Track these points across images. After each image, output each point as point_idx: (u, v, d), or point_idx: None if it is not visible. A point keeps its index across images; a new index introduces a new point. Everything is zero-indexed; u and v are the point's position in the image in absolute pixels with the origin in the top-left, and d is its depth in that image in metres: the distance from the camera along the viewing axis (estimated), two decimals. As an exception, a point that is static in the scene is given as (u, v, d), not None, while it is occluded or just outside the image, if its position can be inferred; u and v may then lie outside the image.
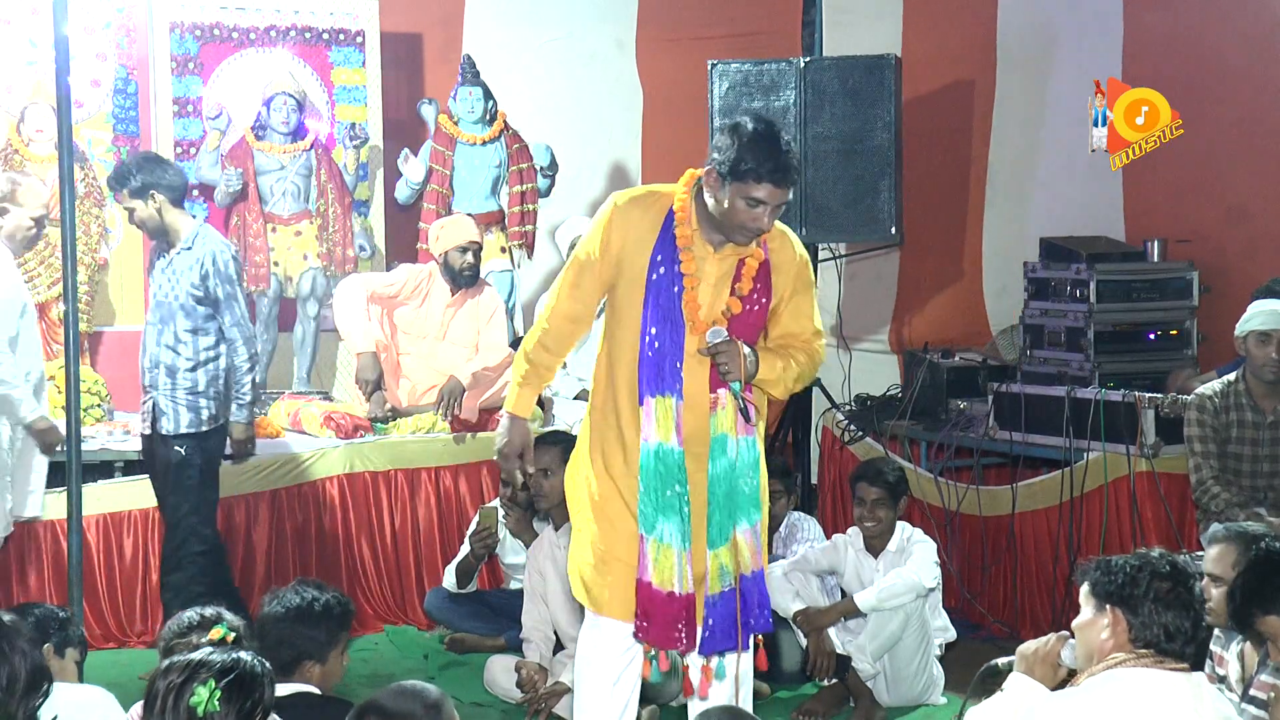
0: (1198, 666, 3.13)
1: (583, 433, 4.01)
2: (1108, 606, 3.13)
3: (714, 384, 3.83)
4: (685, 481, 3.79)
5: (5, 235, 5.50)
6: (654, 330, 3.78)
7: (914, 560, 5.38)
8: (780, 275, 3.91)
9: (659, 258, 3.79)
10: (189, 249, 5.68)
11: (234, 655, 2.85)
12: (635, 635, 3.82)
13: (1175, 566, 3.14)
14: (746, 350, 3.80)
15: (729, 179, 3.72)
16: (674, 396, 3.77)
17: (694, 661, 3.92)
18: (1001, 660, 3.34)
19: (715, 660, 3.90)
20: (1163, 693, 3.03)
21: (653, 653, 3.82)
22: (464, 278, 6.77)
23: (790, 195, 3.81)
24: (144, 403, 5.74)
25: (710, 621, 3.82)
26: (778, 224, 3.90)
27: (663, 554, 3.75)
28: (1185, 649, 3.08)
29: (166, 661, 2.88)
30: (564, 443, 5.36)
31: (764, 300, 3.88)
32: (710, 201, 3.79)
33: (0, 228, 5.51)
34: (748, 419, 3.83)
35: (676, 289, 3.78)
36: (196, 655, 2.85)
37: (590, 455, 3.93)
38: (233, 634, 3.49)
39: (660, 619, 3.76)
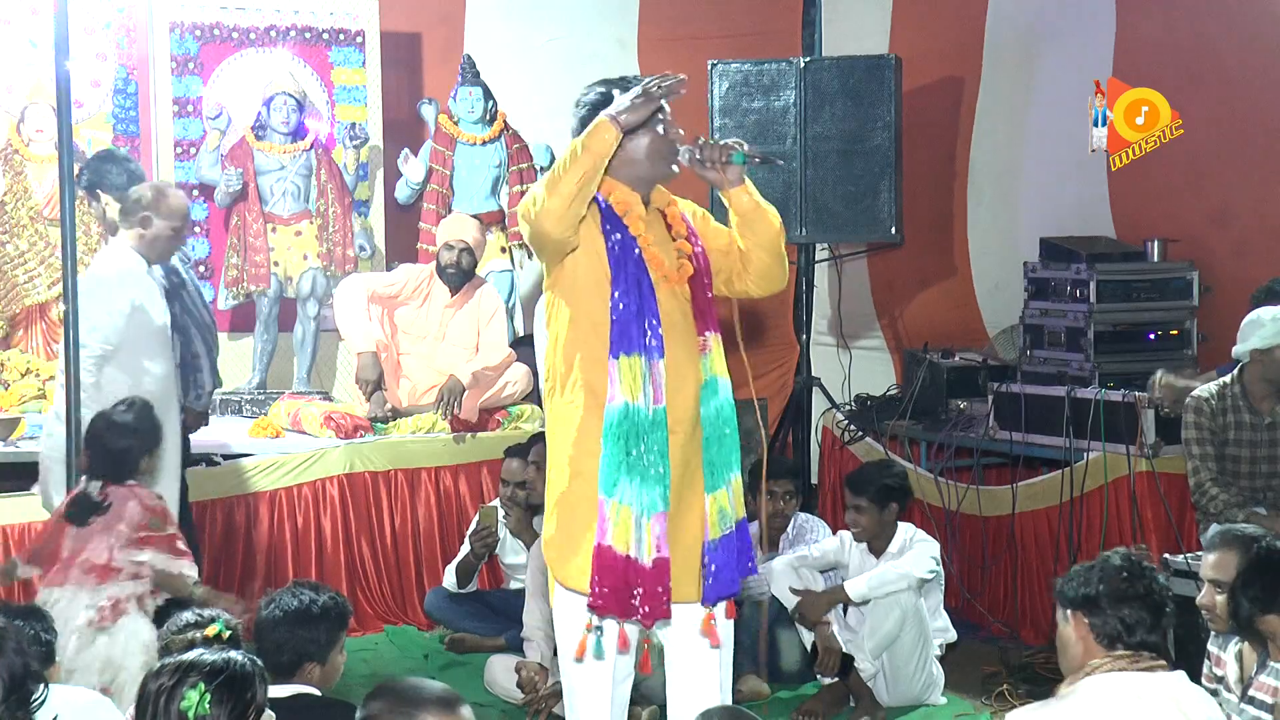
0: (1182, 665, 3.16)
1: (566, 424, 3.86)
2: (1068, 612, 3.19)
3: (700, 327, 3.82)
4: (661, 441, 3.70)
5: (146, 243, 5.48)
6: (617, 293, 3.74)
7: (910, 553, 5.39)
8: (694, 218, 3.97)
9: (609, 227, 3.79)
10: None
11: (225, 655, 2.82)
12: (591, 604, 3.68)
13: (1129, 561, 3.20)
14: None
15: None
16: (642, 355, 3.70)
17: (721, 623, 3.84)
18: None
19: (716, 607, 3.82)
20: (1143, 694, 3.05)
21: (598, 625, 3.70)
22: (447, 275, 6.78)
23: None
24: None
25: (714, 568, 3.76)
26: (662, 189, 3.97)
27: (621, 515, 3.65)
28: (1148, 638, 3.12)
29: (159, 663, 2.87)
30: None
31: (698, 240, 3.92)
32: (619, 159, 3.75)
33: (141, 236, 5.48)
34: (778, 159, 3.88)
35: (636, 252, 3.78)
36: (188, 656, 2.82)
37: (581, 443, 3.81)
38: (228, 632, 3.49)
39: (615, 584, 3.64)
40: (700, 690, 3.84)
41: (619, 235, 3.78)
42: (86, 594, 4.50)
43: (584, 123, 3.79)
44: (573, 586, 3.77)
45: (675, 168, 3.86)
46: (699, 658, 3.85)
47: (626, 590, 3.65)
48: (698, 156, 3.80)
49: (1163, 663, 3.14)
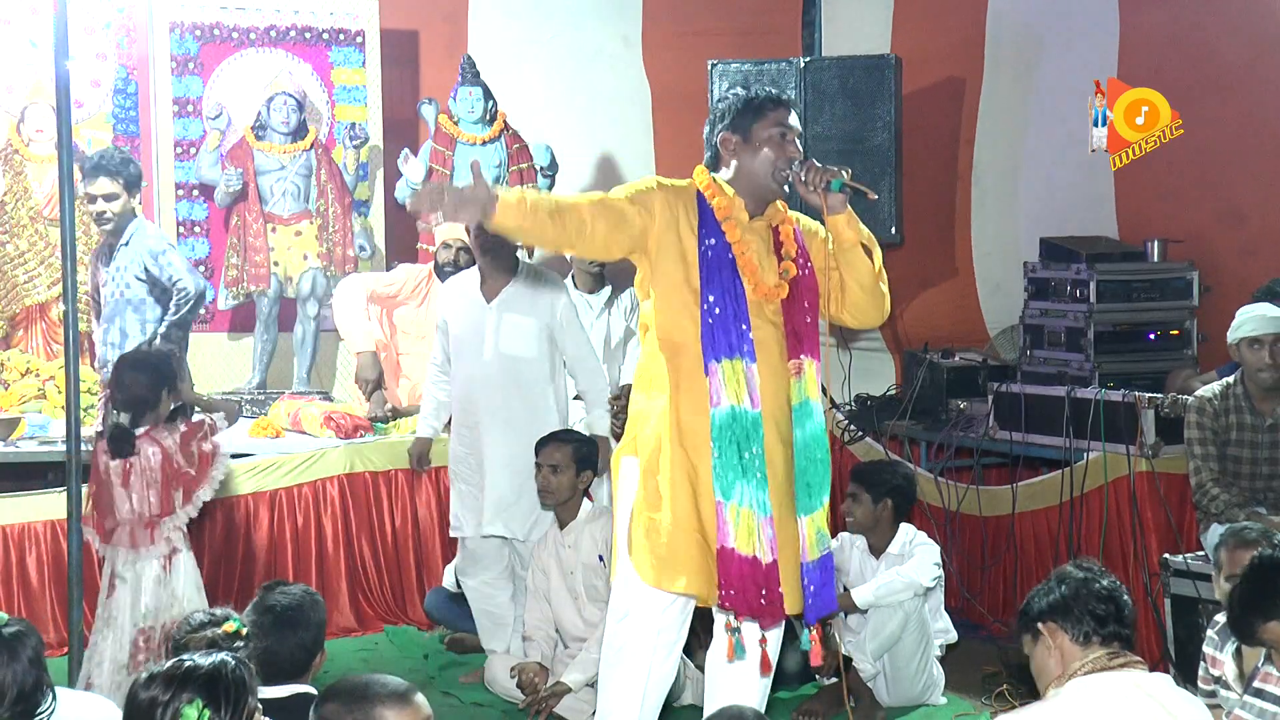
0: (1182, 665, 3.20)
1: (644, 413, 3.91)
2: (1039, 625, 3.27)
3: (792, 351, 3.84)
4: (762, 445, 3.76)
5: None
6: (712, 298, 3.78)
7: (914, 560, 5.39)
8: (812, 240, 3.98)
9: (705, 232, 3.81)
10: (126, 245, 5.95)
11: (215, 661, 2.78)
12: (721, 605, 3.80)
13: (1083, 566, 3.33)
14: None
15: (750, 124, 3.84)
16: (744, 359, 3.76)
17: (772, 635, 3.91)
18: None
19: (806, 631, 3.90)
20: (1130, 695, 3.10)
21: (736, 626, 3.82)
22: (446, 274, 6.78)
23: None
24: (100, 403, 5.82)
25: (813, 588, 3.83)
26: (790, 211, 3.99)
27: (743, 519, 3.73)
28: (1121, 630, 3.22)
29: (145, 673, 2.80)
30: (575, 442, 5.36)
31: (808, 263, 3.92)
32: (735, 166, 3.86)
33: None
34: (873, 193, 3.80)
35: (730, 257, 3.81)
36: (182, 665, 2.76)
37: (665, 425, 3.85)
38: (245, 628, 3.46)
39: (743, 584, 3.74)
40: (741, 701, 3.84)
41: (713, 240, 3.80)
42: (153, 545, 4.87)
43: (735, 125, 3.85)
44: (662, 587, 3.84)
45: (786, 187, 3.88)
46: (745, 671, 3.91)
47: (755, 590, 3.74)
48: (802, 178, 3.80)
49: (1139, 659, 3.22)
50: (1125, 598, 3.29)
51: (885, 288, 3.96)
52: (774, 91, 3.93)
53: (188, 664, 2.77)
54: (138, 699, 2.74)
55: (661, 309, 3.85)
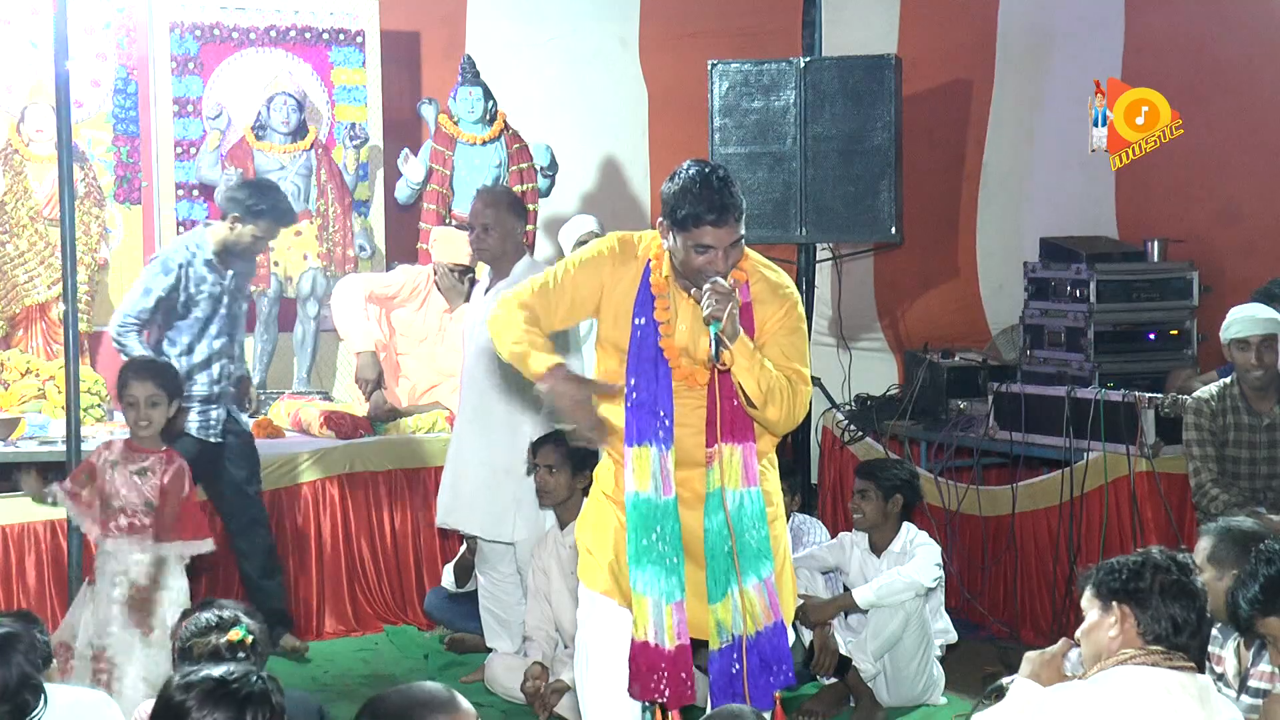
0: (1201, 665, 3.16)
1: (603, 465, 3.99)
2: (1114, 604, 3.15)
3: (710, 439, 3.75)
4: (673, 531, 3.73)
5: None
6: (634, 381, 3.75)
7: (915, 561, 5.39)
8: (762, 308, 3.80)
9: (639, 309, 3.77)
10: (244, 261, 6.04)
11: (242, 673, 2.74)
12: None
13: (1176, 560, 3.19)
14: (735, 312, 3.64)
15: (675, 228, 3.69)
16: (653, 446, 3.72)
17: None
18: (1006, 679, 3.32)
19: None
20: (1172, 692, 3.05)
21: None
22: (450, 294, 6.82)
23: (741, 230, 3.71)
24: (213, 414, 5.85)
25: (710, 678, 3.79)
26: (764, 268, 3.85)
27: (637, 603, 3.74)
28: (1191, 642, 3.12)
29: (181, 678, 2.75)
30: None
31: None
32: (669, 249, 3.75)
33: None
34: (717, 356, 3.61)
35: (655, 339, 3.75)
36: (214, 675, 2.71)
37: (611, 474, 3.92)
38: (250, 637, 3.38)
39: (636, 667, 3.75)
40: None
41: (643, 320, 3.75)
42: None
43: (667, 220, 3.71)
44: (591, 587, 3.89)
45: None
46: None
47: (649, 674, 3.73)
48: (701, 297, 3.66)
49: (1192, 665, 3.13)
50: (1209, 615, 3.19)
51: (774, 419, 3.74)
52: (706, 197, 3.65)
53: (233, 684, 2.70)
54: (173, 701, 2.69)
55: (609, 370, 3.85)
